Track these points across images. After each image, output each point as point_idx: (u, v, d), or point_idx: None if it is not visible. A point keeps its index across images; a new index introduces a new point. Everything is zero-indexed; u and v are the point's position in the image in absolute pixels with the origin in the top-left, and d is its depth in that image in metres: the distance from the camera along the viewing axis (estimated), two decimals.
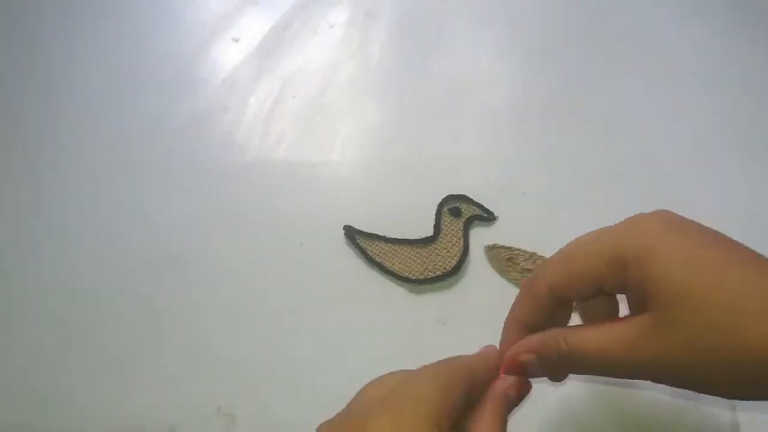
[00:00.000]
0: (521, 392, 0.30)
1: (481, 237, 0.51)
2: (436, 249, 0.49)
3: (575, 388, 0.44)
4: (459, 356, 0.30)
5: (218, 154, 0.56)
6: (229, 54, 0.64)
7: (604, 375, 0.28)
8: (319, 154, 0.56)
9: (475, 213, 0.51)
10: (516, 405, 0.30)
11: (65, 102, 0.60)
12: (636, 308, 0.27)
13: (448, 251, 0.49)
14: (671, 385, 0.27)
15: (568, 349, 0.28)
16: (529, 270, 0.38)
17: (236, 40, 0.65)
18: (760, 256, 0.26)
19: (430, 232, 0.50)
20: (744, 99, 0.60)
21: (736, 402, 0.43)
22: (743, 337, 0.23)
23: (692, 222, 0.27)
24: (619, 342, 0.26)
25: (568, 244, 0.31)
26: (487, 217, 0.51)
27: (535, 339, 0.30)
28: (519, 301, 0.32)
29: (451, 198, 0.52)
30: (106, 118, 0.59)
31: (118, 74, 0.62)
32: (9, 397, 0.44)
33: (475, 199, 0.52)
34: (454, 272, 0.48)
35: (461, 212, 0.51)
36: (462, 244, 0.49)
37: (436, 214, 0.51)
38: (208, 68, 0.63)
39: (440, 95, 0.60)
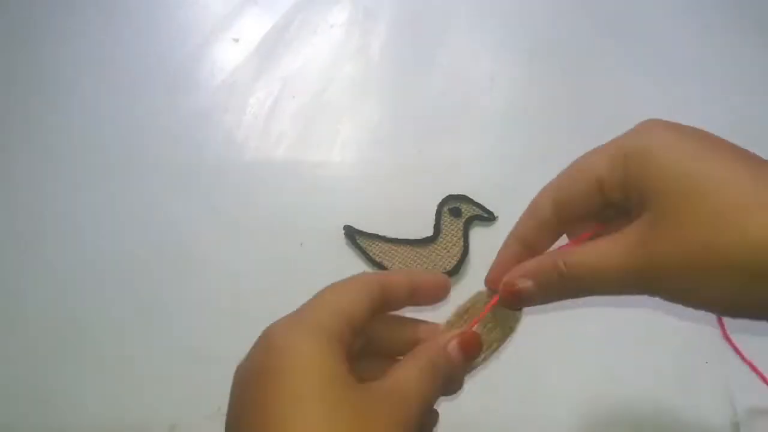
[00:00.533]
0: (469, 352, 0.28)
1: (481, 237, 0.51)
2: (436, 249, 0.49)
3: (575, 388, 0.44)
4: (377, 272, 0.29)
5: (218, 154, 0.56)
6: (229, 54, 0.64)
7: (603, 292, 0.27)
8: (319, 154, 0.56)
9: (475, 213, 0.51)
10: (464, 370, 0.28)
11: (65, 102, 0.60)
12: (637, 215, 0.26)
13: (448, 251, 0.49)
14: (666, 297, 0.26)
15: (567, 270, 0.27)
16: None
17: (236, 40, 0.65)
18: (760, 158, 0.25)
19: (430, 232, 0.50)
20: (744, 99, 0.60)
21: (737, 401, 0.43)
22: (743, 230, 0.22)
23: (695, 128, 0.27)
24: (618, 251, 0.25)
25: (569, 166, 0.31)
26: (487, 217, 0.51)
27: (530, 263, 0.29)
28: (521, 218, 0.31)
29: (451, 198, 0.52)
30: (106, 118, 0.59)
31: (118, 74, 0.62)
32: (9, 397, 0.44)
33: (475, 199, 0.52)
34: (454, 272, 0.48)
35: (461, 212, 0.51)
36: (462, 244, 0.49)
37: (436, 214, 0.51)
38: (208, 68, 0.63)
39: (440, 95, 0.60)
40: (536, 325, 0.46)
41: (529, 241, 0.31)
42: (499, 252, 0.31)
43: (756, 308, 0.23)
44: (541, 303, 0.29)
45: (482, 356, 0.30)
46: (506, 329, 0.31)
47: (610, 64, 0.63)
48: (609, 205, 0.28)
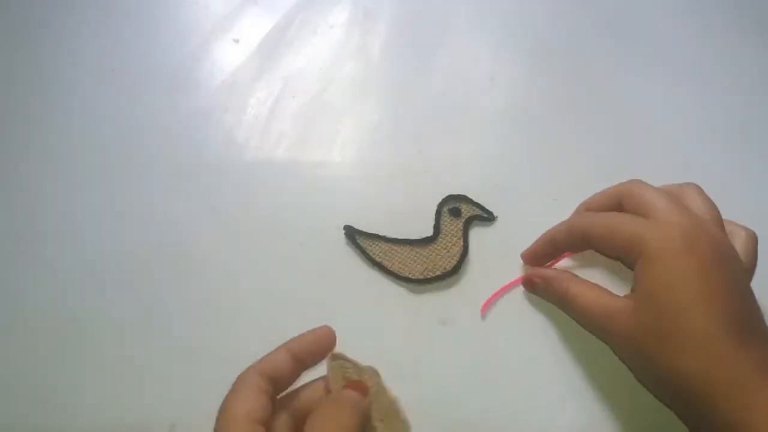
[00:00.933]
0: (363, 391, 0.32)
1: (481, 237, 0.51)
2: (436, 249, 0.49)
3: (575, 388, 0.44)
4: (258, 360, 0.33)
5: (218, 154, 0.56)
6: (230, 54, 0.64)
7: (583, 326, 0.40)
8: (319, 154, 0.56)
9: (475, 213, 0.51)
10: (368, 408, 0.32)
11: (64, 102, 0.60)
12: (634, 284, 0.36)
13: (448, 251, 0.49)
14: (624, 359, 0.38)
15: (567, 296, 0.40)
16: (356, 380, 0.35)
17: (236, 41, 0.65)
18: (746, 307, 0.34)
19: (430, 232, 0.50)
20: (744, 99, 0.60)
21: None
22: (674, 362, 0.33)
23: (710, 241, 0.34)
24: (606, 309, 0.37)
25: (611, 217, 0.40)
26: (487, 217, 0.51)
27: (550, 272, 0.43)
28: (558, 228, 0.43)
29: (451, 198, 0.52)
30: (105, 118, 0.59)
31: (118, 74, 0.62)
32: (9, 397, 0.44)
33: (475, 199, 0.52)
34: (454, 272, 0.48)
35: (461, 212, 0.51)
36: (462, 244, 0.49)
37: (436, 214, 0.51)
38: (208, 68, 0.63)
39: (440, 95, 0.60)
40: (537, 325, 0.46)
41: (556, 242, 0.43)
42: (535, 242, 0.45)
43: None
44: (546, 299, 0.44)
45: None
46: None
47: (610, 64, 0.63)
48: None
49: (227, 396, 0.31)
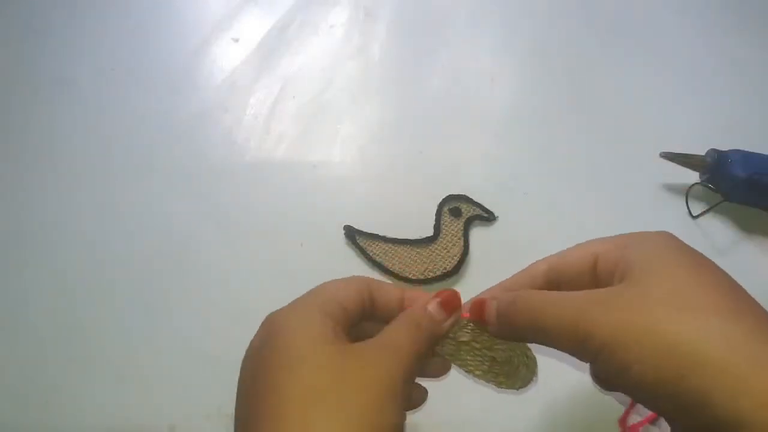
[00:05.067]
0: (448, 309, 0.30)
1: (481, 237, 0.51)
2: (436, 249, 0.49)
3: (575, 388, 0.44)
4: (374, 278, 0.31)
5: (218, 154, 0.56)
6: (230, 54, 0.64)
7: (543, 334, 0.27)
8: (319, 154, 0.56)
9: (475, 213, 0.51)
10: (447, 329, 0.30)
11: (65, 101, 0.60)
12: None
13: (448, 251, 0.49)
14: (592, 362, 0.26)
15: (519, 302, 0.28)
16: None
17: (236, 40, 0.65)
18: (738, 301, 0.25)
19: (430, 232, 0.50)
20: (744, 99, 0.60)
21: None
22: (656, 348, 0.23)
23: (697, 255, 0.28)
24: (568, 300, 0.26)
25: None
26: (487, 217, 0.51)
27: (501, 292, 0.31)
28: (515, 274, 0.32)
29: (451, 198, 0.52)
30: (105, 117, 0.59)
31: (118, 74, 0.62)
32: (9, 397, 0.44)
33: (475, 199, 0.52)
34: (454, 272, 0.48)
35: (461, 212, 0.51)
36: (462, 244, 0.49)
37: (436, 214, 0.51)
38: (209, 68, 0.63)
39: (440, 95, 0.60)
40: None
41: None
42: (483, 292, 0.32)
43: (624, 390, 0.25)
44: (503, 329, 0.29)
45: (462, 362, 0.31)
46: (499, 377, 0.31)
47: (610, 64, 0.63)
48: (596, 286, 0.28)
49: (329, 281, 0.30)
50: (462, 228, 0.50)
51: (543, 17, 0.67)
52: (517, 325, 0.28)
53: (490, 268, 0.49)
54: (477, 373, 0.31)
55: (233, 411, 0.44)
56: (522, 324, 0.28)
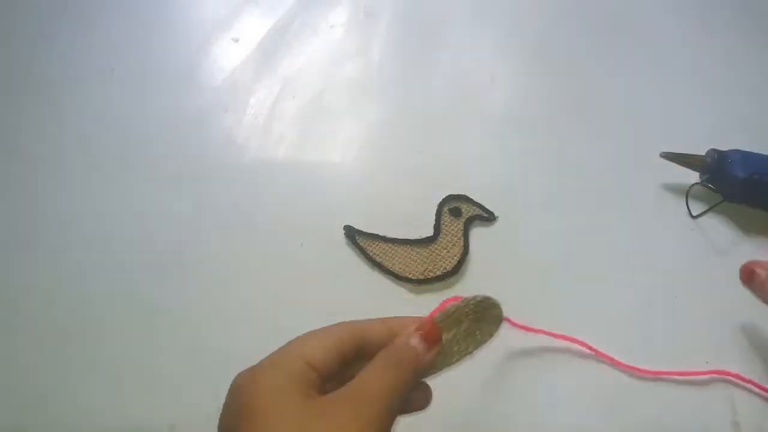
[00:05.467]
0: (431, 342, 0.29)
1: (481, 237, 0.51)
2: (436, 249, 0.49)
3: (575, 387, 0.44)
4: (357, 320, 0.30)
5: (218, 154, 0.56)
6: (230, 54, 0.64)
7: None
8: (319, 154, 0.56)
9: (475, 213, 0.51)
10: (431, 362, 0.29)
11: (65, 102, 0.60)
12: None
13: (448, 251, 0.49)
14: None
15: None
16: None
17: (236, 41, 0.65)
18: None
19: (430, 232, 0.50)
20: (744, 99, 0.60)
21: (736, 401, 0.43)
22: None
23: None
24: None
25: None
26: (487, 217, 0.51)
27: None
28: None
29: (451, 198, 0.52)
30: (106, 118, 0.59)
31: (119, 74, 0.62)
32: (9, 397, 0.44)
33: (475, 199, 0.52)
34: (454, 272, 0.48)
35: (461, 212, 0.51)
36: (462, 244, 0.49)
37: (436, 214, 0.51)
38: (209, 68, 0.63)
39: (440, 95, 0.60)
40: (537, 324, 0.46)
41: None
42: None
43: None
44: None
45: (455, 357, 0.31)
46: (484, 335, 0.32)
47: (609, 63, 0.63)
48: None
49: (306, 333, 0.29)
50: (462, 228, 0.50)
51: (543, 17, 0.67)
52: None
53: (490, 268, 0.49)
54: (467, 353, 0.31)
55: None
56: None
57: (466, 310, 0.31)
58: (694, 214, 0.52)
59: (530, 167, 0.55)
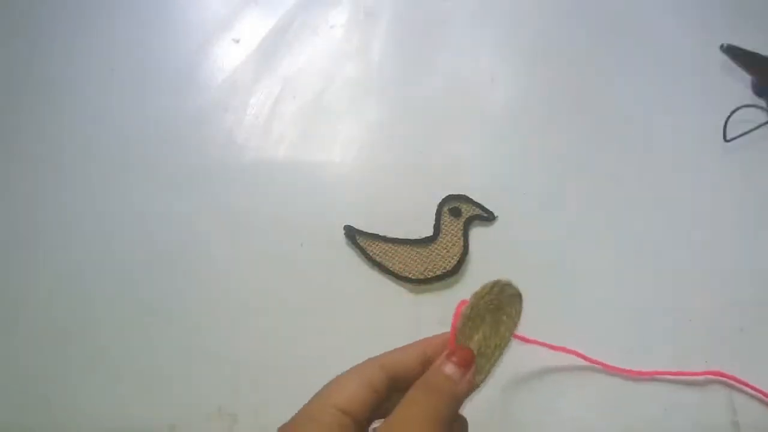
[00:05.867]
0: (465, 366, 0.29)
1: (481, 237, 0.51)
2: (436, 249, 0.49)
3: (575, 387, 0.44)
4: (386, 352, 0.30)
5: (219, 154, 0.56)
6: (230, 54, 0.64)
7: None
8: (319, 154, 0.56)
9: (475, 213, 0.51)
10: (470, 384, 0.29)
11: (65, 102, 0.60)
12: None
13: (448, 251, 0.49)
14: None
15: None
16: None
17: (237, 41, 0.65)
18: None
19: (430, 232, 0.50)
20: (741, 99, 0.60)
21: (736, 401, 0.43)
22: None
23: None
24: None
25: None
26: (487, 217, 0.51)
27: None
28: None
29: (451, 198, 0.52)
30: (106, 118, 0.59)
31: (119, 75, 0.62)
32: (10, 397, 0.44)
33: (475, 199, 0.52)
34: (454, 272, 0.48)
35: (461, 212, 0.51)
36: (462, 244, 0.49)
37: (436, 214, 0.51)
38: (209, 69, 0.63)
39: (440, 95, 0.60)
40: (537, 324, 0.46)
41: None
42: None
43: None
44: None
45: (495, 353, 0.31)
46: (511, 318, 0.31)
47: (609, 64, 0.63)
48: None
49: (334, 379, 0.28)
50: (462, 228, 0.50)
51: (543, 17, 0.67)
52: None
53: (489, 268, 0.49)
54: (505, 343, 0.31)
55: (233, 411, 0.44)
56: None
57: (483, 303, 0.30)
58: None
59: (530, 167, 0.55)
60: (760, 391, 0.43)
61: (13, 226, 0.52)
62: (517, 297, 0.31)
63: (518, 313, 0.32)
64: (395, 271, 0.48)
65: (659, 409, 0.43)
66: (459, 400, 0.28)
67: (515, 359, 0.45)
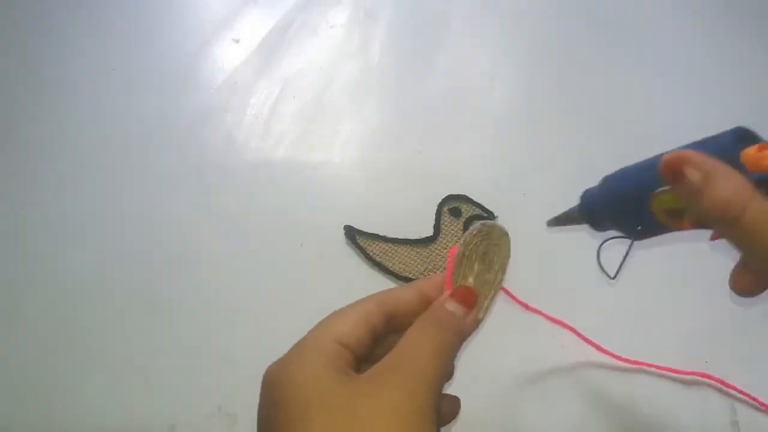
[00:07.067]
0: (468, 303, 0.28)
1: None
2: (436, 249, 0.49)
3: (575, 386, 0.44)
4: (383, 290, 0.29)
5: (219, 154, 0.56)
6: (230, 54, 0.64)
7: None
8: (319, 154, 0.56)
9: (475, 213, 0.51)
10: (473, 321, 0.28)
11: (65, 102, 0.60)
12: None
13: (448, 251, 0.49)
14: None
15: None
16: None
17: (237, 41, 0.65)
18: None
19: (430, 232, 0.50)
20: (744, 99, 0.60)
21: (735, 400, 0.43)
22: None
23: None
24: None
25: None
26: (487, 217, 0.51)
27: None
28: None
29: (451, 198, 0.52)
30: (106, 118, 0.59)
31: (119, 75, 0.62)
32: (11, 396, 0.44)
33: (475, 199, 0.52)
34: None
35: (461, 212, 0.51)
36: None
37: (436, 214, 0.51)
38: (209, 69, 0.63)
39: (440, 95, 0.60)
40: (536, 324, 0.46)
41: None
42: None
43: None
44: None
45: (492, 290, 0.31)
46: (503, 253, 0.32)
47: (609, 64, 0.63)
48: None
49: (331, 313, 0.28)
50: (462, 228, 0.50)
51: (543, 17, 0.67)
52: None
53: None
54: (500, 278, 0.31)
55: (233, 411, 0.44)
56: None
57: (473, 244, 0.30)
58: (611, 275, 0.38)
59: (530, 167, 0.55)
60: (747, 395, 0.43)
61: (13, 226, 0.52)
62: (505, 236, 0.32)
63: (508, 250, 0.32)
64: (395, 271, 0.48)
65: (660, 408, 0.43)
66: (463, 336, 0.28)
67: (509, 356, 0.45)
